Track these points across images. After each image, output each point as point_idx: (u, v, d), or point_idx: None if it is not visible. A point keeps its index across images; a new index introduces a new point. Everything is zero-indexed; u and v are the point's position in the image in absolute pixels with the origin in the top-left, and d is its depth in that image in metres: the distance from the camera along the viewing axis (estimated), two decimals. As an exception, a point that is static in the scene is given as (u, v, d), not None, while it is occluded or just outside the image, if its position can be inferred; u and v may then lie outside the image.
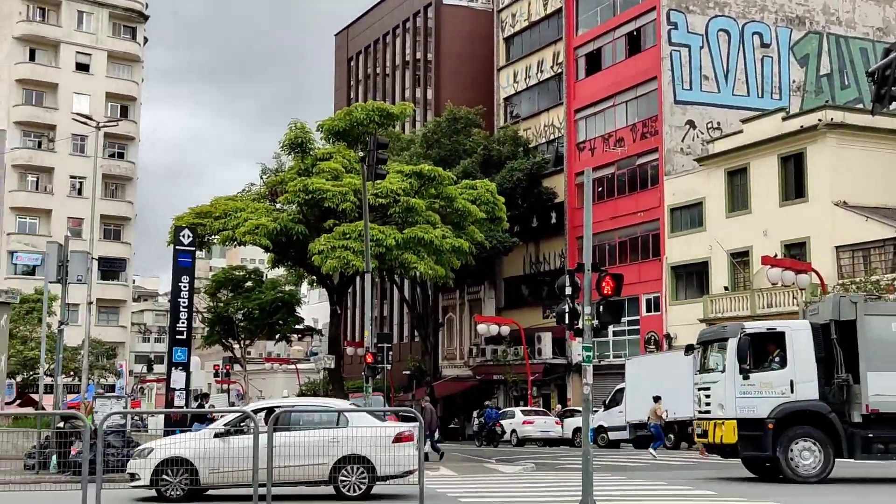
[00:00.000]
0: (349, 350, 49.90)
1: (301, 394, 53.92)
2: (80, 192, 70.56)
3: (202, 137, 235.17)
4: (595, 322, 13.65)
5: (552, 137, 50.89)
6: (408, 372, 53.40)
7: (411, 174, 35.55)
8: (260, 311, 46.39)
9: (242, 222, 34.58)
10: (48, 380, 29.64)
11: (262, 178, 42.39)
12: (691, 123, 44.30)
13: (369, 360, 27.12)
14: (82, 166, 68.10)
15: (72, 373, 51.62)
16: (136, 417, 25.14)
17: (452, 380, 52.15)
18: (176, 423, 24.46)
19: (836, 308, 18.36)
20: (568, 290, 13.95)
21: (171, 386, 26.48)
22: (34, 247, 67.61)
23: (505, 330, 45.46)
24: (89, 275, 29.70)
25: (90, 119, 36.88)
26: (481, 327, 45.61)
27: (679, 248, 42.29)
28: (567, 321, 13.99)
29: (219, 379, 64.24)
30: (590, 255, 13.78)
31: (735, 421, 17.49)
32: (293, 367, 63.56)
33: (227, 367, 61.46)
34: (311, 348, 74.77)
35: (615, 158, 46.18)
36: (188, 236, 28.82)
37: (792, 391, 17.76)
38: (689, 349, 20.60)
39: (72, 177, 70.23)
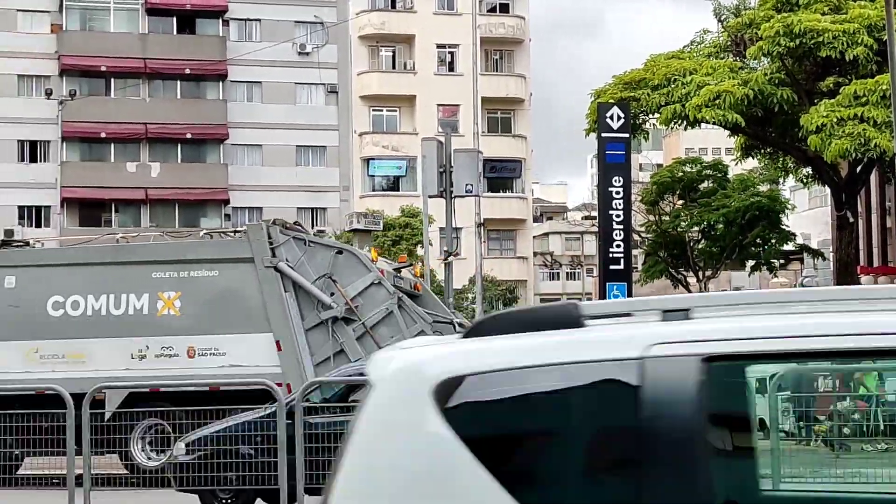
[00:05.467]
0: (864, 281, 48.52)
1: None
2: (451, 67, 74.48)
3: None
4: None
5: None
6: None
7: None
8: (725, 224, 46.36)
9: (695, 90, 34.55)
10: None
11: (718, 21, 41.87)
12: None
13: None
14: (452, 29, 71.72)
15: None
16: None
17: None
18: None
19: None
20: None
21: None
22: (394, 149, 72.74)
23: None
24: (480, 184, 31.36)
25: (464, -43, 38.48)
26: None
27: None
28: None
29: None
30: None
31: None
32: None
33: (676, 312, 62.36)
34: (801, 279, 73.67)
35: None
36: (619, 117, 29.32)
37: None
38: None
39: (439, 46, 74.25)
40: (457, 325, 23.17)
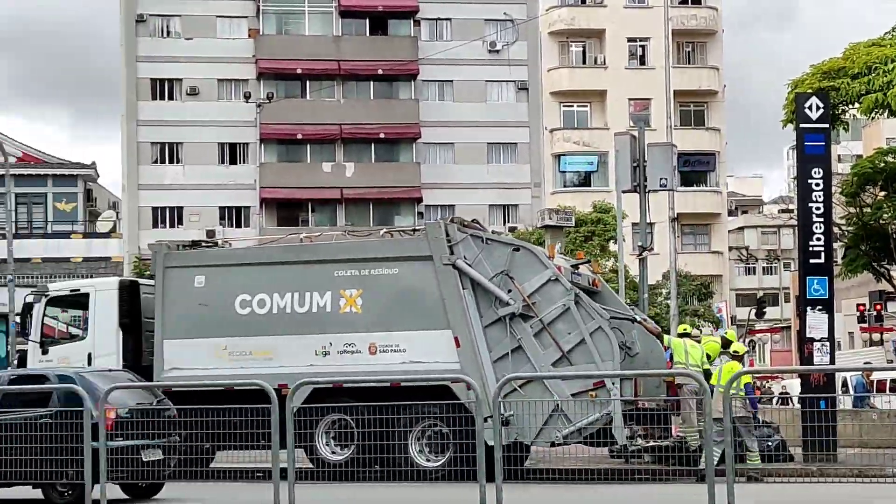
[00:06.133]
0: None
1: None
2: (641, 61, 73.86)
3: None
4: None
5: None
6: None
7: None
8: (930, 216, 45.08)
9: (897, 78, 33.60)
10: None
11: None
12: None
13: None
14: (643, 23, 70.99)
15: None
16: (761, 383, 25.80)
17: None
18: (817, 389, 24.75)
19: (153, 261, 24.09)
20: None
21: (808, 334, 26.63)
22: (585, 145, 72.48)
23: None
24: (674, 178, 31.01)
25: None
26: None
27: None
28: None
29: (864, 325, 63.56)
30: None
31: None
32: None
33: (877, 307, 60.64)
34: None
35: None
36: (818, 107, 28.56)
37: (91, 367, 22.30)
38: None
39: (629, 40, 73.69)
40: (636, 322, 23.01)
